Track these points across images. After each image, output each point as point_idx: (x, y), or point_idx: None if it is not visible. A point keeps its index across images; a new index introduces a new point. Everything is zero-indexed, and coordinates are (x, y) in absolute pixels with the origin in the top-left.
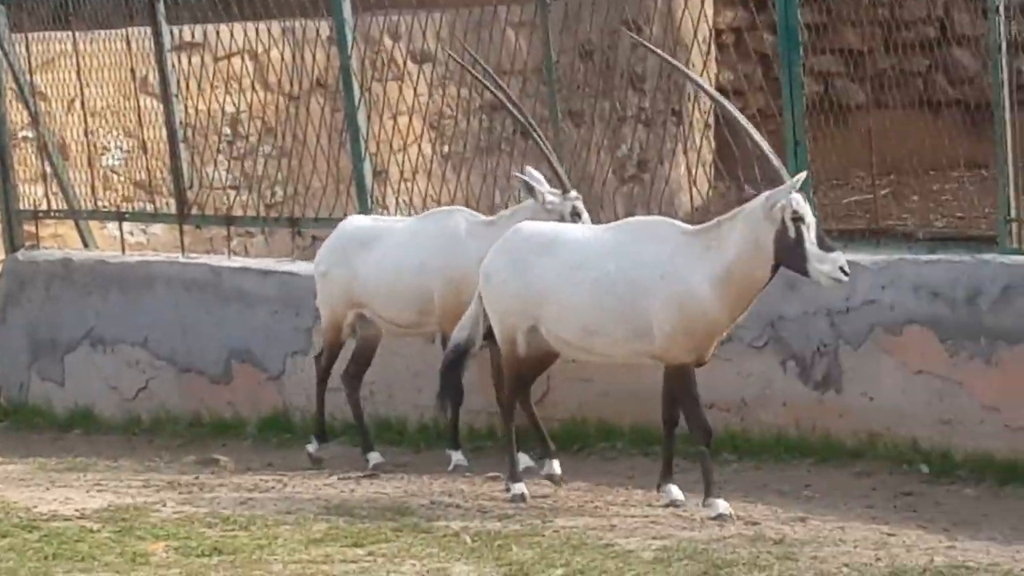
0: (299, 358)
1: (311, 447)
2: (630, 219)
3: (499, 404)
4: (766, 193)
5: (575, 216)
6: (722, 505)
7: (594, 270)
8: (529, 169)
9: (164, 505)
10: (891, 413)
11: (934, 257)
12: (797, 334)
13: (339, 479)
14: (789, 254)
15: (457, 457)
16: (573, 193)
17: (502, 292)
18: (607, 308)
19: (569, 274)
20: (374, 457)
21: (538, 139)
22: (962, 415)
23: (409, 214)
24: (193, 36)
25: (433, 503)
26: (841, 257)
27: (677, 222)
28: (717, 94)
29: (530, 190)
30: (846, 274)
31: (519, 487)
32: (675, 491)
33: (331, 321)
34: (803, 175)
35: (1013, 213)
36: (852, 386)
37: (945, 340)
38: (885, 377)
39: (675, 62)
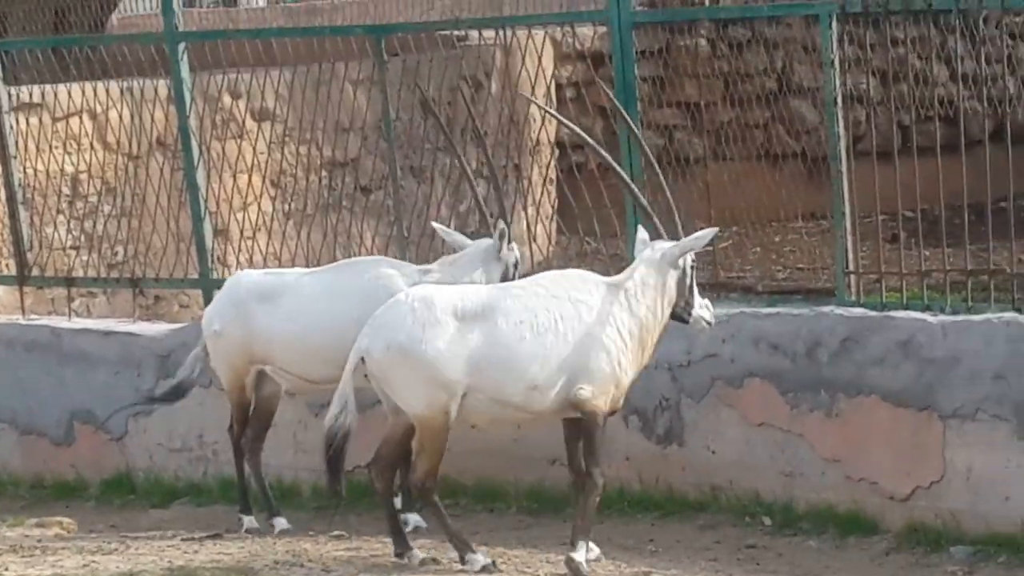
0: (141, 419)
1: (247, 521)
2: (550, 273)
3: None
4: (662, 244)
5: (515, 267)
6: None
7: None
8: (435, 224)
9: (6, 569)
10: (734, 466)
11: (774, 310)
12: (639, 388)
13: (182, 540)
14: (681, 300)
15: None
16: (514, 244)
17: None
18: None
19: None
20: (280, 523)
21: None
22: (803, 467)
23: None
24: (31, 96)
25: (277, 563)
26: (709, 303)
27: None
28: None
29: (501, 235)
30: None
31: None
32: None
33: (232, 382)
34: (715, 230)
35: (851, 265)
36: (694, 439)
37: (786, 393)
38: (727, 430)
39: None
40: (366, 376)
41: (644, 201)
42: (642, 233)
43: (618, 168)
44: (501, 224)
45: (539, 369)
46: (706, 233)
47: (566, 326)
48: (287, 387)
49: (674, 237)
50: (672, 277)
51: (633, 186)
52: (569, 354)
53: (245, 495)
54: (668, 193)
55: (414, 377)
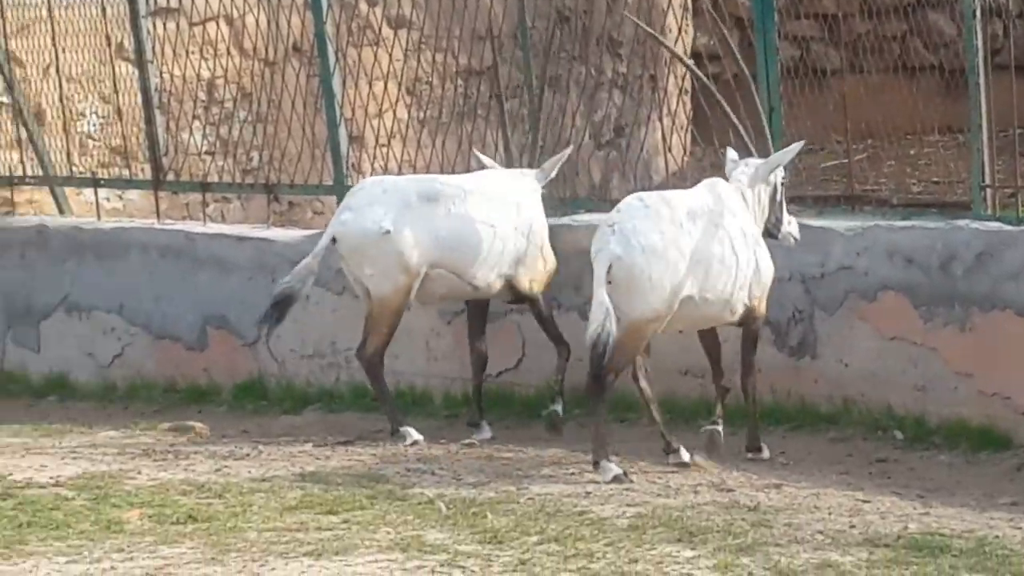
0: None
1: (412, 433)
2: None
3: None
4: (754, 160)
5: None
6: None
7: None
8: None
9: (139, 472)
10: (866, 379)
11: (908, 223)
12: (772, 301)
13: (314, 447)
14: (773, 216)
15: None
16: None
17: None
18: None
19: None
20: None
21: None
22: (936, 381)
23: None
24: (169, 1)
25: (408, 470)
26: (795, 220)
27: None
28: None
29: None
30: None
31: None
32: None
33: (398, 285)
34: (800, 144)
35: (987, 179)
36: (827, 352)
37: (919, 306)
38: (860, 343)
39: (649, 29)
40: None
41: (735, 118)
42: (731, 153)
43: (709, 84)
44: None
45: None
46: (793, 148)
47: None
48: (444, 293)
49: (763, 155)
50: (765, 192)
51: (724, 103)
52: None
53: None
54: (759, 107)
55: (658, 280)
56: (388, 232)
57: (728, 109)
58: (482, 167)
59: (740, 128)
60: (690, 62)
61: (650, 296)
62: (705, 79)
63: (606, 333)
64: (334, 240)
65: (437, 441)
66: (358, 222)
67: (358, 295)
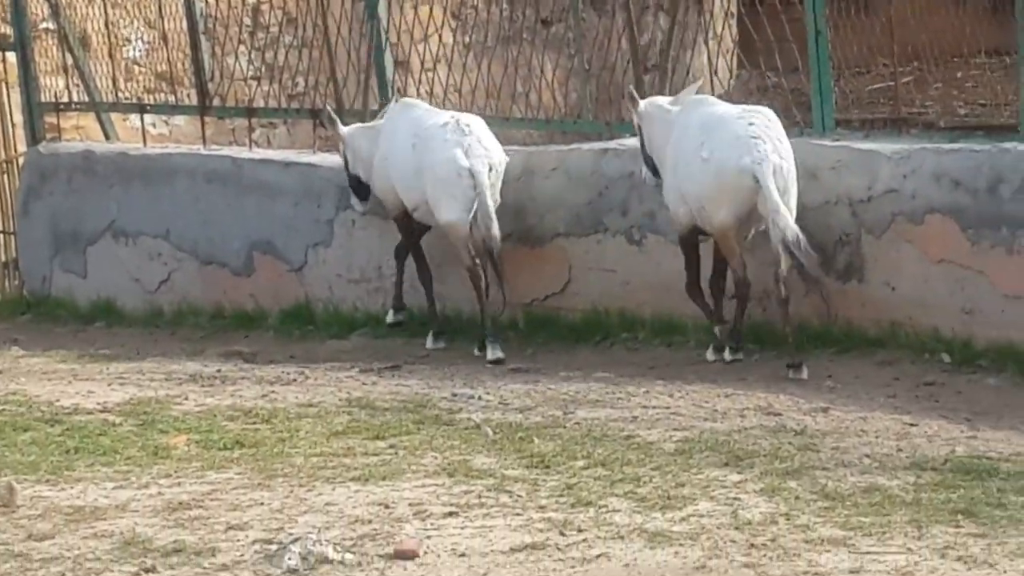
0: (320, 250)
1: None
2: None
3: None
4: None
5: None
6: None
7: None
8: None
9: (186, 398)
10: (913, 302)
11: (955, 146)
12: (818, 224)
13: (361, 372)
14: None
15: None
16: None
17: None
18: None
19: None
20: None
21: None
22: (983, 304)
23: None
24: None
25: (455, 395)
26: None
27: None
28: None
29: None
30: None
31: None
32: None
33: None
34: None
35: None
36: (874, 275)
37: (966, 229)
38: (907, 266)
39: None
40: None
41: None
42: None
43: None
44: None
45: None
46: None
47: None
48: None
49: None
50: None
51: None
52: None
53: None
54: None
55: (795, 185)
56: None
57: None
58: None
59: None
60: None
61: (793, 201)
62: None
63: (800, 233)
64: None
65: (483, 366)
66: None
67: None
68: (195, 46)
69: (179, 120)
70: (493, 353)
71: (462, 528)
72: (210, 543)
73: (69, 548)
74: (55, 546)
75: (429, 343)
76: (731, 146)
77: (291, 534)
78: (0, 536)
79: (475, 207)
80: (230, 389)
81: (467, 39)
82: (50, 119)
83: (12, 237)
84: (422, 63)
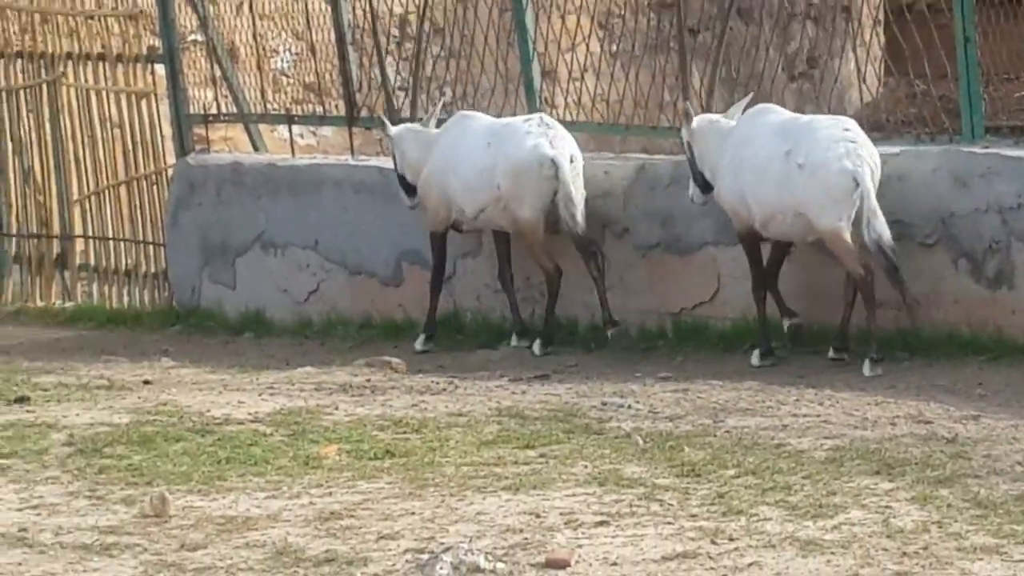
0: (468, 260)
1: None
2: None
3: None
4: None
5: None
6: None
7: None
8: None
9: (336, 408)
10: None
11: None
12: (968, 231)
13: (510, 381)
14: None
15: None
16: None
17: None
18: None
19: None
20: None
21: None
22: None
23: (577, 114)
24: None
25: (604, 404)
26: None
27: None
28: None
29: None
30: None
31: None
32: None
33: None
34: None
35: None
36: None
37: None
38: None
39: None
40: None
41: None
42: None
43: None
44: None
45: None
46: None
47: None
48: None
49: None
50: None
51: None
52: None
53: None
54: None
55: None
56: None
57: None
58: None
59: None
60: None
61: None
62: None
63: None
64: None
65: (633, 375)
66: None
67: None
68: (343, 57)
69: (327, 131)
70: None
71: (613, 537)
72: (362, 553)
73: (221, 558)
74: (208, 556)
75: (418, 345)
76: (829, 149)
77: (442, 543)
78: (153, 546)
79: (559, 196)
80: (380, 399)
81: (614, 48)
82: (199, 131)
83: (161, 248)
84: (569, 73)
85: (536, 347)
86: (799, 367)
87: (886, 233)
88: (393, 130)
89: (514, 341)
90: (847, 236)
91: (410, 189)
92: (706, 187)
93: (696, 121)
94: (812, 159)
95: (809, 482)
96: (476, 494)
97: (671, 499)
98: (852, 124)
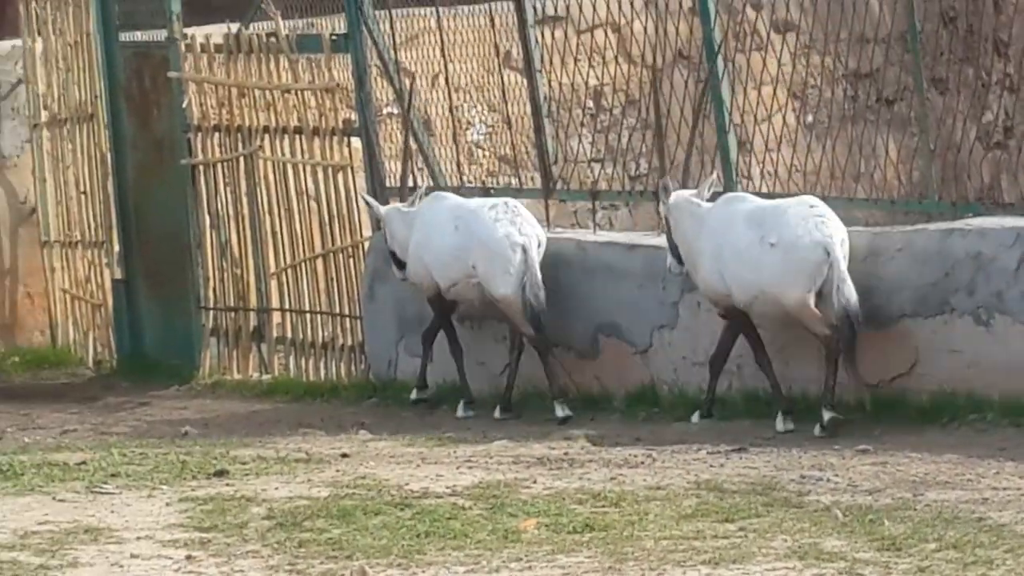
0: (666, 332)
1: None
2: None
3: None
4: None
5: None
6: None
7: None
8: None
9: (534, 481)
10: None
11: None
12: None
13: (708, 454)
14: None
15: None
16: None
17: None
18: None
19: None
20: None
21: None
22: None
23: (773, 185)
24: (556, 10)
25: (803, 477)
26: None
27: None
28: None
29: None
30: None
31: None
32: None
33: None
34: None
35: None
36: None
37: None
38: None
39: None
40: None
41: None
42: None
43: None
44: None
45: None
46: None
47: None
48: None
49: None
50: None
51: None
52: None
53: None
54: None
55: None
56: None
57: None
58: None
59: None
60: None
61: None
62: None
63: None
64: None
65: (831, 447)
66: None
67: None
68: (539, 129)
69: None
70: (562, 411)
71: None
72: None
73: None
74: None
75: (459, 412)
76: (800, 227)
77: None
78: None
79: (525, 279)
80: (578, 472)
81: (808, 119)
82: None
83: (358, 321)
84: (766, 144)
85: (497, 412)
86: (1000, 439)
87: (853, 299)
88: (382, 210)
89: (779, 424)
90: (812, 304)
91: (399, 263)
92: (681, 259)
93: (673, 197)
94: (784, 237)
95: (1011, 556)
96: (676, 568)
97: (872, 573)
98: (817, 201)
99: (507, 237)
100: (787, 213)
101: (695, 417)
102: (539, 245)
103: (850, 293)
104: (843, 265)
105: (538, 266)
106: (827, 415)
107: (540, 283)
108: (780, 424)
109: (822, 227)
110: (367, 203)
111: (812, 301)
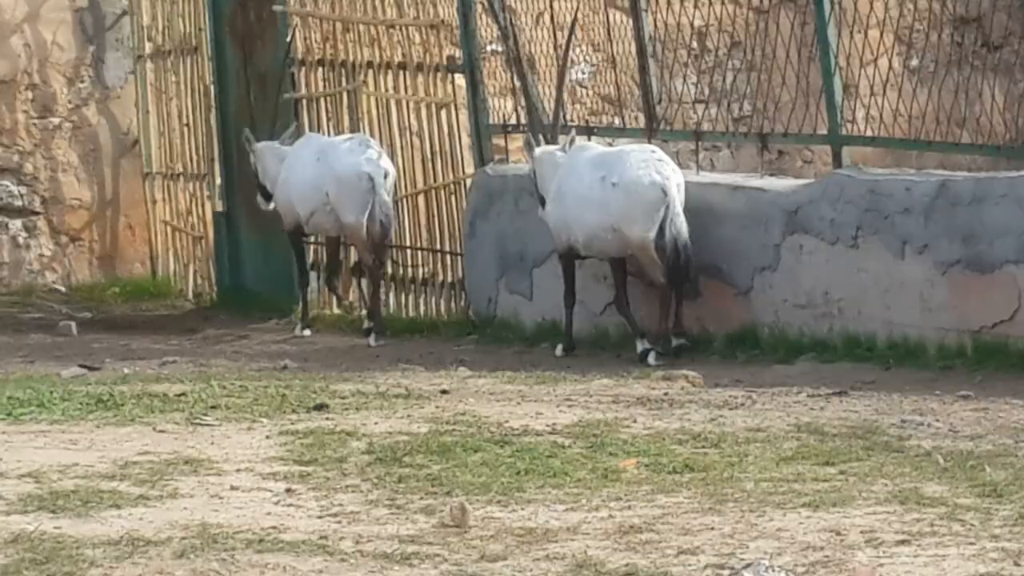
0: (767, 274)
1: None
2: None
3: None
4: None
5: None
6: None
7: None
8: None
9: (634, 421)
10: None
11: None
12: None
13: (808, 396)
14: None
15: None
16: None
17: None
18: None
19: None
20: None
21: None
22: None
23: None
24: None
25: (904, 422)
26: None
27: None
28: None
29: None
30: None
31: None
32: None
33: None
34: None
35: None
36: None
37: None
38: None
39: None
40: None
41: None
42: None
43: None
44: None
45: None
46: None
47: None
48: None
49: None
50: None
51: None
52: None
53: None
54: None
55: None
56: None
57: None
58: None
59: None
60: None
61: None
62: None
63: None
64: None
65: (932, 393)
66: None
67: None
68: (643, 69)
69: (624, 143)
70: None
71: (915, 557)
72: (662, 567)
73: (521, 570)
74: (507, 567)
75: (558, 351)
76: (640, 168)
77: (743, 559)
78: (453, 556)
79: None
80: (678, 412)
81: (913, 63)
82: (497, 141)
83: (459, 258)
84: (871, 87)
85: (371, 340)
86: None
87: (684, 232)
88: (257, 146)
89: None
90: (652, 241)
91: (266, 194)
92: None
93: (538, 151)
94: (625, 178)
95: None
96: (776, 510)
97: (973, 519)
98: (657, 148)
99: (354, 167)
100: (629, 156)
101: (558, 351)
102: (386, 176)
103: (682, 226)
104: (678, 207)
105: (387, 196)
106: (676, 342)
107: (389, 213)
108: (639, 346)
109: (661, 169)
110: (246, 138)
111: (652, 236)
